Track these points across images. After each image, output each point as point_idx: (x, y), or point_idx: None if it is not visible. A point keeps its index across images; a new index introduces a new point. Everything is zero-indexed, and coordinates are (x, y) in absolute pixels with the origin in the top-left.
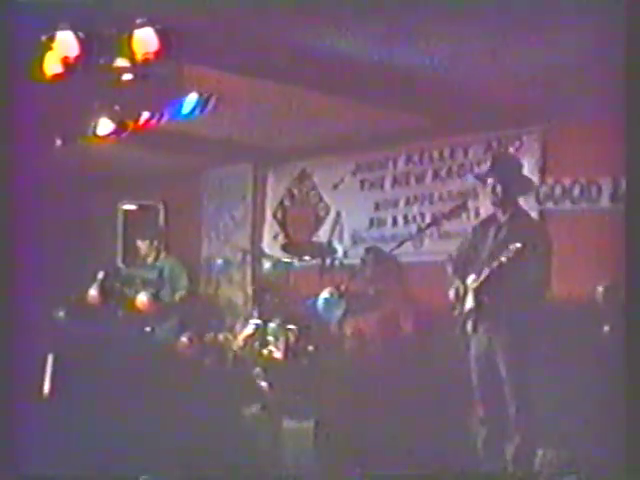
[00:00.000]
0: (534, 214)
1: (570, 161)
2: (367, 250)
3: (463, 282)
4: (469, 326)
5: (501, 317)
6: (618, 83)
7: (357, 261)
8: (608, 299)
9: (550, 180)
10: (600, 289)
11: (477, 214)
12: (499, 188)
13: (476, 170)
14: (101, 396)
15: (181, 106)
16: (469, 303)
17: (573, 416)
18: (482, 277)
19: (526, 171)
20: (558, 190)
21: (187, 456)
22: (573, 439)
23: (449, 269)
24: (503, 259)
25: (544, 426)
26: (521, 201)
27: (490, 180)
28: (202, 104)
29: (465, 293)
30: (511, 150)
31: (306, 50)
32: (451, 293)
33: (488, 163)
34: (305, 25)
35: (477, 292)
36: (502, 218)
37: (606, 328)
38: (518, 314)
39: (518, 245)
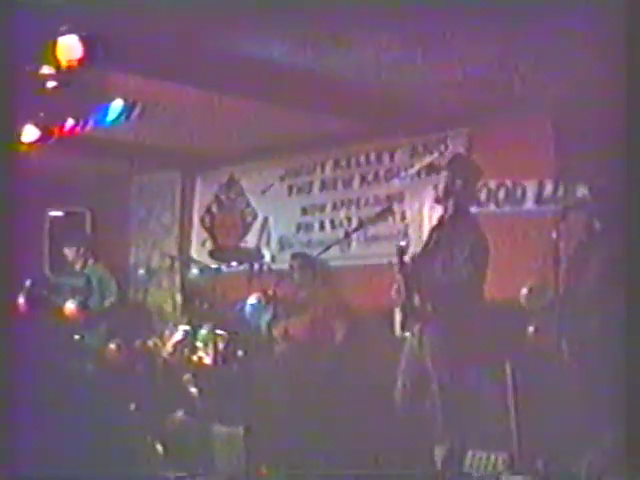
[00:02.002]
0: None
1: (495, 164)
2: (294, 255)
3: (402, 281)
4: (400, 325)
5: (432, 316)
6: (542, 85)
7: (285, 266)
8: (532, 300)
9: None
10: (525, 291)
11: (403, 218)
12: (450, 186)
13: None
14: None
15: (106, 113)
16: (402, 301)
17: (505, 417)
18: (411, 275)
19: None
20: (483, 193)
21: (120, 462)
22: (510, 440)
23: (396, 269)
24: (437, 255)
25: (475, 427)
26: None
27: (444, 176)
28: (128, 111)
29: (402, 291)
30: (436, 154)
31: (233, 56)
32: (393, 291)
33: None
34: (231, 31)
35: (411, 290)
36: (445, 219)
37: (531, 329)
38: (450, 314)
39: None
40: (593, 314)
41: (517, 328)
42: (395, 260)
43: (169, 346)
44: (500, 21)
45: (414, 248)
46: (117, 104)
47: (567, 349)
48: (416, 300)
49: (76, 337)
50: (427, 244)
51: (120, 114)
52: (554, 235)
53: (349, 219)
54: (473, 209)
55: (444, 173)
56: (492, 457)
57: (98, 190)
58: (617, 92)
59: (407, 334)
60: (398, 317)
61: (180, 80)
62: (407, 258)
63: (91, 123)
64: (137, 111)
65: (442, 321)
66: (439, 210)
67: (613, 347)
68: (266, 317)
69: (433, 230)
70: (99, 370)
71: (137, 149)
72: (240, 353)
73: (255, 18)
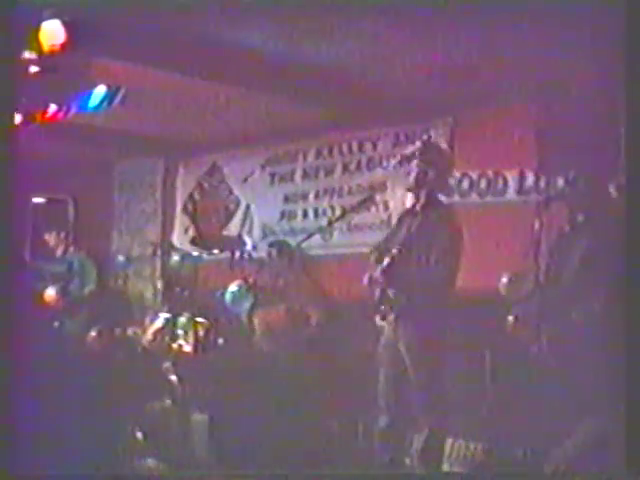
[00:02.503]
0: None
1: (477, 154)
2: (271, 243)
3: (376, 271)
4: (376, 314)
5: (407, 307)
6: (525, 77)
7: (267, 254)
8: (513, 290)
9: (457, 173)
10: (505, 280)
11: (386, 207)
12: (422, 176)
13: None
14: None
15: (89, 98)
16: (377, 291)
17: (483, 408)
18: (385, 265)
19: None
20: (465, 183)
21: (103, 449)
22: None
23: (372, 259)
24: (410, 245)
25: (454, 416)
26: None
27: (416, 166)
28: (110, 97)
29: (376, 281)
30: (418, 144)
31: (215, 43)
32: (365, 280)
33: (415, 148)
34: (214, 18)
35: (385, 280)
36: (417, 208)
37: (510, 318)
38: (425, 304)
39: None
40: (573, 304)
41: (497, 317)
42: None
43: (149, 334)
44: (483, 12)
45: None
46: (100, 90)
47: (547, 338)
48: (390, 290)
49: (56, 324)
50: (400, 234)
51: (103, 100)
52: (535, 225)
53: (331, 208)
54: (448, 198)
55: (415, 162)
56: (471, 445)
57: (80, 177)
58: (599, 84)
59: (383, 323)
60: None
61: (163, 67)
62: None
63: (74, 109)
64: (120, 97)
65: (417, 310)
66: (413, 199)
67: (593, 336)
68: (246, 305)
69: (406, 220)
70: (80, 358)
71: (120, 136)
72: (220, 341)
73: (238, 6)
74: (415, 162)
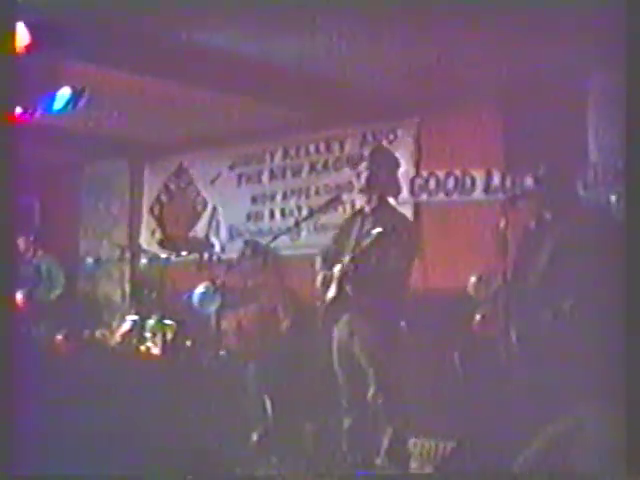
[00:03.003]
0: (409, 206)
1: (444, 154)
2: (246, 242)
3: (330, 272)
4: (331, 315)
5: (363, 306)
6: (492, 76)
7: (235, 255)
8: (480, 289)
9: (424, 172)
10: (473, 279)
11: (353, 207)
12: (372, 179)
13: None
14: None
15: (54, 101)
16: (332, 292)
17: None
18: (343, 265)
19: (402, 164)
20: (432, 182)
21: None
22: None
23: (319, 261)
24: (362, 246)
25: (410, 416)
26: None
27: (366, 170)
28: (75, 99)
29: (330, 282)
30: (385, 143)
31: (182, 45)
32: (318, 282)
33: (366, 154)
34: (180, 20)
35: (339, 281)
36: (368, 209)
37: (478, 317)
38: (380, 303)
39: (379, 230)
40: (542, 302)
41: (465, 316)
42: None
43: (117, 336)
44: (450, 11)
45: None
46: (64, 92)
47: (515, 337)
48: (346, 291)
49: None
50: (351, 235)
51: (68, 102)
52: (503, 224)
53: (299, 208)
54: (423, 198)
55: (364, 164)
56: (440, 445)
57: (47, 180)
58: (565, 83)
59: (340, 321)
60: (332, 304)
61: (129, 69)
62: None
63: (39, 111)
64: (85, 99)
65: (371, 311)
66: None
67: (562, 334)
68: (214, 306)
69: (356, 221)
70: (48, 362)
71: (85, 138)
72: (188, 343)
73: (204, 7)
74: (364, 164)
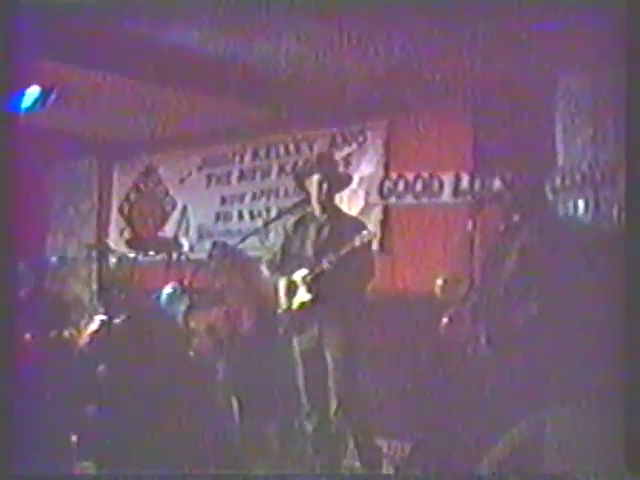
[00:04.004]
0: (378, 209)
1: (413, 156)
2: (215, 244)
3: (289, 278)
4: (301, 320)
5: (334, 310)
6: (462, 78)
7: (203, 256)
8: (448, 291)
9: (393, 175)
10: (440, 281)
11: None
12: (325, 186)
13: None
14: None
15: (22, 99)
16: (302, 297)
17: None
18: (317, 271)
19: (371, 166)
20: (401, 185)
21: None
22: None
23: (264, 267)
24: (356, 244)
25: (378, 418)
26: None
27: (317, 178)
28: (44, 97)
29: (296, 288)
30: (355, 145)
31: (151, 44)
32: (282, 288)
33: (310, 162)
34: (148, 18)
35: (311, 285)
36: (322, 217)
37: (445, 320)
38: (349, 307)
39: (366, 232)
40: (508, 304)
41: (432, 318)
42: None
43: (85, 336)
44: (421, 13)
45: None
46: (33, 90)
47: (482, 339)
48: (319, 293)
49: None
50: (309, 242)
51: (36, 101)
52: (471, 227)
53: (267, 209)
54: (391, 201)
55: (317, 176)
56: (406, 446)
57: (14, 178)
58: (534, 85)
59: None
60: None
61: (98, 67)
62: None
63: (6, 109)
64: (53, 98)
65: (342, 315)
66: (312, 208)
67: (528, 336)
68: (181, 307)
69: (311, 227)
70: (15, 362)
71: (54, 136)
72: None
73: (174, 6)
74: (316, 174)
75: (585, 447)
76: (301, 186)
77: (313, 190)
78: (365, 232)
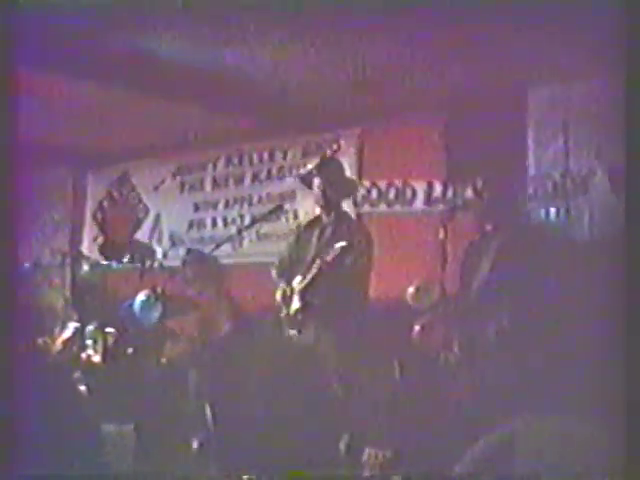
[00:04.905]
0: (352, 216)
1: (386, 165)
2: (189, 251)
3: (289, 284)
4: (296, 327)
5: (327, 317)
6: (434, 87)
7: (177, 263)
8: (420, 299)
9: (366, 183)
10: (411, 290)
11: (295, 216)
12: (326, 190)
13: (302, 172)
14: None
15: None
16: (295, 304)
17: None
18: (307, 278)
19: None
20: (374, 193)
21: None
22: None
23: (274, 273)
24: (328, 259)
25: (372, 423)
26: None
27: (317, 182)
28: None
29: (291, 295)
30: (329, 153)
31: (125, 52)
32: (278, 295)
33: (313, 165)
34: (123, 26)
35: (303, 293)
36: (326, 220)
37: (417, 328)
38: (343, 313)
39: (342, 243)
40: (480, 313)
41: (404, 326)
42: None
43: (58, 343)
44: (394, 23)
45: (294, 250)
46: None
47: (454, 347)
48: (311, 300)
49: None
50: (309, 247)
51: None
52: (443, 235)
53: (241, 217)
54: (357, 209)
55: (317, 178)
56: (381, 454)
57: None
58: (509, 94)
59: (296, 334)
60: (296, 316)
61: (72, 75)
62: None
63: None
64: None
65: (336, 321)
66: (318, 212)
67: (500, 344)
68: (155, 314)
69: (314, 233)
70: None
71: (29, 143)
72: (130, 350)
73: (148, 14)
74: (317, 177)
75: (584, 450)
76: (309, 188)
77: (316, 193)
78: (338, 246)
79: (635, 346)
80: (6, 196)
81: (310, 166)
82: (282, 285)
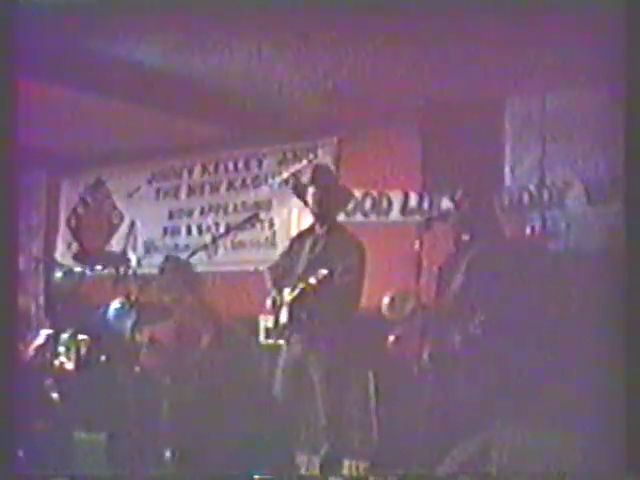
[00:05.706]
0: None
1: (362, 174)
2: (167, 258)
3: (280, 294)
4: (284, 338)
5: (316, 330)
6: (410, 99)
7: (151, 270)
8: (395, 310)
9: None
10: (386, 300)
11: (271, 225)
12: (323, 199)
13: (292, 181)
14: None
15: None
16: (283, 317)
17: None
18: (294, 294)
19: None
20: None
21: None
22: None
23: (268, 281)
24: (311, 281)
25: (352, 436)
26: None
27: (312, 191)
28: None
29: (281, 305)
30: (304, 162)
31: (103, 57)
32: (268, 304)
33: (308, 175)
34: (102, 32)
35: (291, 306)
36: (319, 230)
37: (391, 338)
38: (333, 327)
39: (324, 272)
40: (456, 323)
41: (378, 337)
42: (268, 273)
43: (31, 350)
44: (371, 32)
45: (287, 259)
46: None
47: (429, 357)
48: (300, 313)
49: None
50: (301, 256)
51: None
52: (418, 245)
53: (216, 225)
54: (340, 218)
55: (312, 187)
56: (359, 464)
57: None
58: (485, 104)
59: (281, 342)
60: (284, 328)
61: (47, 81)
62: (278, 274)
63: None
64: None
65: (327, 332)
66: (312, 222)
67: (474, 355)
68: (129, 322)
69: (306, 242)
70: None
71: (2, 149)
72: (103, 358)
73: (127, 20)
74: (312, 187)
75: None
76: (301, 198)
77: (310, 203)
78: (323, 271)
79: (612, 352)
80: None
81: (286, 174)
82: (274, 294)
